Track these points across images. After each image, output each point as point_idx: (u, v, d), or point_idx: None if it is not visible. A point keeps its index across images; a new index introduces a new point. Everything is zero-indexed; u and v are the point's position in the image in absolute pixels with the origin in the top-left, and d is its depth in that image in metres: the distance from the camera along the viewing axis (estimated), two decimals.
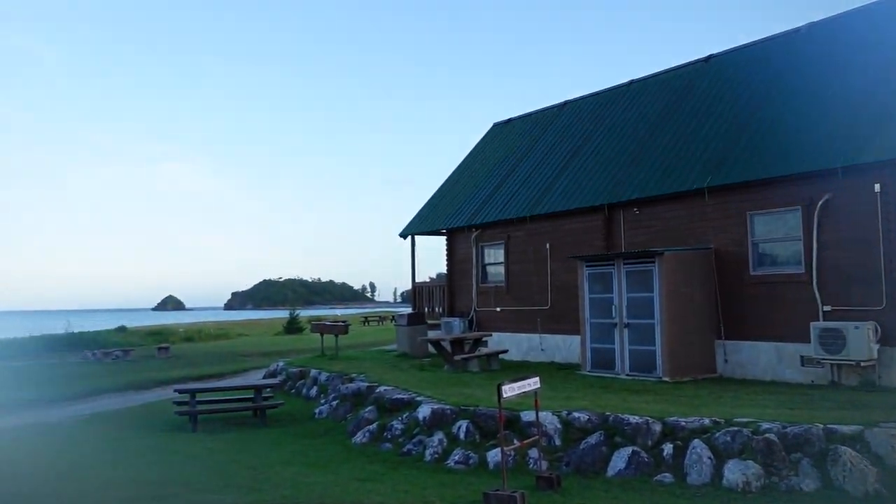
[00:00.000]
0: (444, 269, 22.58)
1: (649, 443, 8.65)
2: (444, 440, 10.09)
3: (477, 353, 16.69)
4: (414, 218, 23.47)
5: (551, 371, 15.39)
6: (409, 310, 24.35)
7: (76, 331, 37.34)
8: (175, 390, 14.23)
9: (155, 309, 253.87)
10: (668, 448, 8.45)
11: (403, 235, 23.12)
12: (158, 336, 43.09)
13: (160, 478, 9.44)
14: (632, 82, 20.45)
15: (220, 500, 8.13)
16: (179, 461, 10.48)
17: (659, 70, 19.94)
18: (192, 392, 13.66)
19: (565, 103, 22.60)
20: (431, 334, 19.46)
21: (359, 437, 11.40)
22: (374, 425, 11.53)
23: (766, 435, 7.94)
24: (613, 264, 14.68)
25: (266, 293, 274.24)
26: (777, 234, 13.62)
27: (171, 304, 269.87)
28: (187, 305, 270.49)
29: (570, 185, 18.12)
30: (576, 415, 9.51)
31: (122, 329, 46.67)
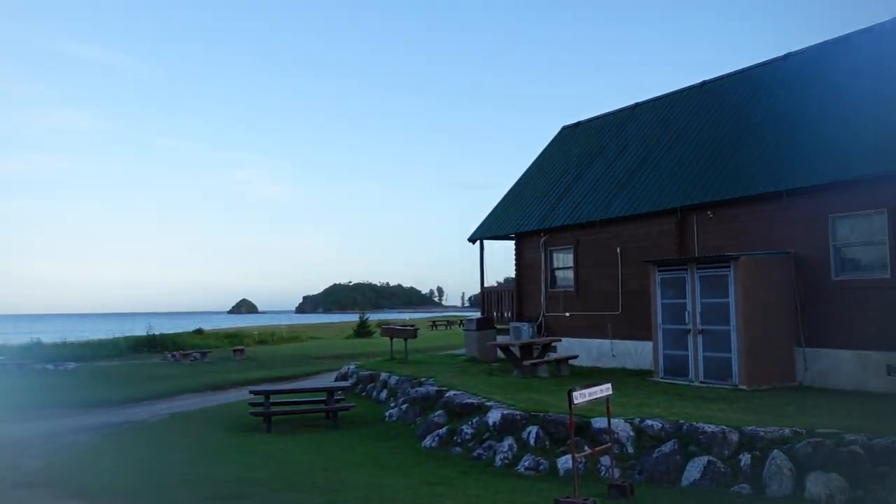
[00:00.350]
0: (512, 273, 22.53)
1: (726, 452, 8.43)
2: (514, 445, 10.07)
3: (546, 358, 16.58)
4: (483, 222, 23.49)
5: (622, 377, 15.15)
6: (477, 314, 24.38)
7: (157, 333, 38.71)
8: (250, 392, 14.63)
9: (230, 312, 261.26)
10: (745, 458, 8.22)
11: (472, 240, 23.17)
12: (234, 339, 44.34)
13: (237, 477, 9.71)
14: (704, 83, 19.99)
15: (295, 501, 8.31)
16: (255, 461, 10.76)
17: (732, 70, 19.43)
18: (267, 394, 14.01)
19: (636, 105, 22.25)
20: (500, 339, 19.44)
21: (428, 441, 11.48)
22: (444, 429, 11.58)
23: (851, 447, 7.63)
24: (687, 269, 14.37)
25: (336, 297, 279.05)
26: (861, 237, 13.06)
27: (244, 307, 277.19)
28: (260, 309, 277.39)
29: (642, 189, 17.82)
30: (649, 422, 9.35)
31: (199, 331, 48.23)
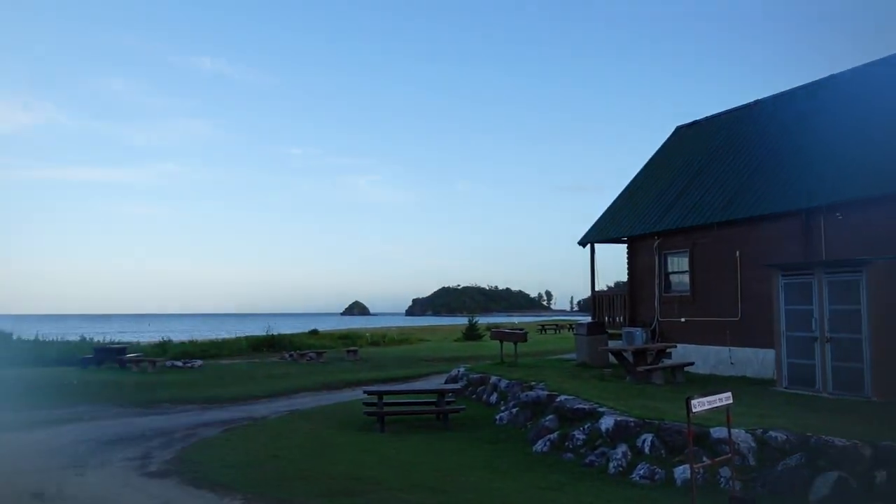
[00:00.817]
0: (624, 277, 22.06)
1: (858, 468, 7.92)
2: (629, 453, 9.85)
3: (661, 364, 16.12)
4: (593, 226, 23.13)
5: (742, 386, 14.51)
6: (587, 319, 24.01)
7: (275, 333, 40.33)
8: (364, 392, 15.00)
9: (343, 314, 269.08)
10: (881, 475, 7.70)
11: (583, 243, 22.86)
12: (347, 340, 45.58)
13: (351, 474, 9.98)
14: (833, 76, 18.91)
15: (408, 500, 8.45)
16: (369, 459, 11.02)
17: (862, 63, 18.28)
18: (380, 394, 14.32)
19: (756, 102, 21.32)
20: (612, 344, 19.07)
21: (539, 446, 11.40)
22: (555, 434, 11.48)
23: None
24: (813, 274, 13.60)
25: (445, 300, 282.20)
26: None
27: (357, 309, 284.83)
28: (372, 311, 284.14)
29: (763, 189, 17.03)
30: (772, 434, 8.91)
31: (314, 332, 49.88)
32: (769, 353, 15.08)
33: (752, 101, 21.54)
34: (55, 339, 35.51)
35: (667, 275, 19.95)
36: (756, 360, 16.33)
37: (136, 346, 33.09)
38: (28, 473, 10.15)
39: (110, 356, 26.68)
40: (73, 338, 36.45)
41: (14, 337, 33.79)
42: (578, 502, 8.14)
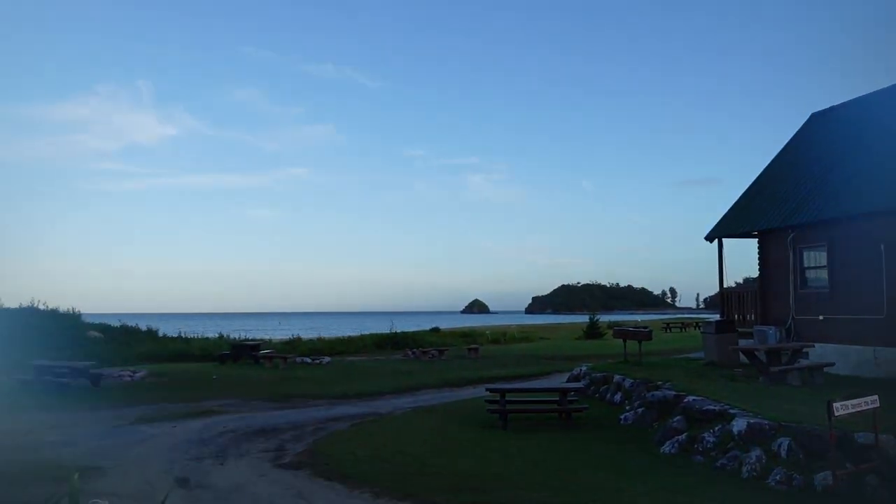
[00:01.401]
0: (753, 273, 21.06)
1: None
2: (763, 457, 9.41)
3: (797, 365, 15.29)
4: (721, 220, 22.21)
5: (889, 389, 13.54)
6: (715, 316, 23.09)
7: (398, 331, 41.25)
8: (487, 389, 15.10)
9: (462, 312, 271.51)
10: None
11: (710, 238, 22.01)
12: (468, 337, 45.94)
13: (476, 471, 10.09)
14: None
15: (532, 499, 8.46)
16: (492, 456, 11.09)
17: None
18: (503, 392, 14.38)
19: None
20: (743, 343, 18.25)
21: (667, 447, 11.10)
22: (684, 436, 11.14)
23: None
24: None
25: (564, 298, 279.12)
26: None
27: (476, 307, 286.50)
28: (491, 309, 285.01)
29: None
30: None
31: (436, 330, 50.61)
32: None
33: (893, 84, 20.01)
34: (195, 335, 37.88)
35: (802, 270, 18.86)
36: None
37: (267, 343, 34.74)
38: (177, 462, 10.93)
39: (245, 352, 28.15)
40: (212, 335, 38.72)
41: (160, 334, 36.33)
42: None
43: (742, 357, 17.08)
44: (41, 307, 33.47)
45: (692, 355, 23.19)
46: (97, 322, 35.57)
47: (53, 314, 33.45)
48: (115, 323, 36.04)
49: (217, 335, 38.22)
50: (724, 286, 22.00)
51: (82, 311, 35.32)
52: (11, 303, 33.10)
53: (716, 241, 21.86)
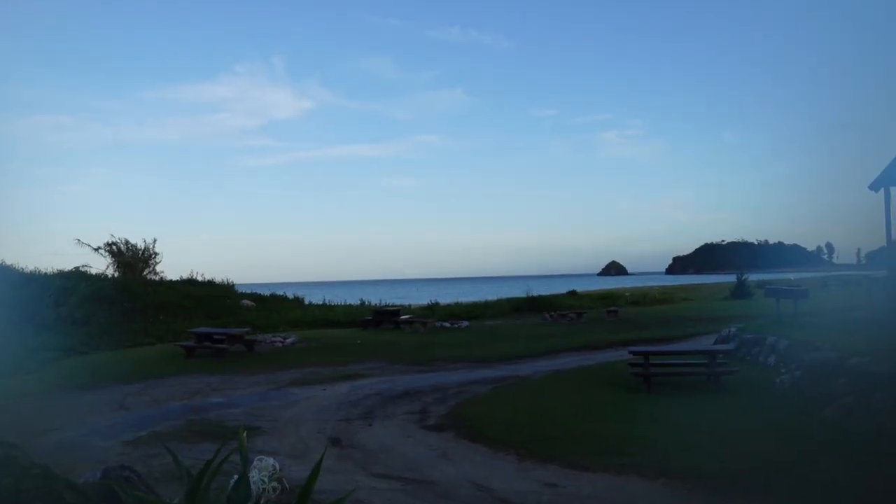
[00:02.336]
0: None
1: None
2: None
3: None
4: (889, 167, 20.27)
5: None
6: (880, 273, 21.26)
7: (535, 295, 41.04)
8: (629, 352, 14.72)
9: (600, 274, 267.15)
10: None
11: (875, 188, 20.17)
12: (607, 300, 45.06)
13: (620, 434, 9.84)
14: None
15: (682, 462, 8.14)
16: (636, 419, 10.77)
17: None
18: (647, 354, 13.94)
19: None
20: None
21: (830, 412, 10.35)
22: (850, 399, 10.33)
23: None
24: None
25: (708, 257, 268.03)
26: None
27: (614, 269, 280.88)
28: (629, 270, 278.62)
29: None
30: None
31: (573, 293, 50.00)
32: None
33: None
34: (339, 303, 39.45)
35: None
36: None
37: (407, 309, 35.60)
38: (328, 423, 11.41)
39: (387, 318, 28.97)
40: (354, 301, 40.17)
41: (306, 302, 38.11)
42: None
43: None
44: (199, 279, 36.03)
45: (855, 314, 21.51)
46: (249, 291, 37.84)
47: (210, 284, 35.92)
48: (265, 292, 38.18)
49: (359, 302, 39.57)
50: (893, 239, 20.17)
51: (235, 281, 37.77)
52: (173, 275, 35.91)
53: (882, 190, 20.01)
